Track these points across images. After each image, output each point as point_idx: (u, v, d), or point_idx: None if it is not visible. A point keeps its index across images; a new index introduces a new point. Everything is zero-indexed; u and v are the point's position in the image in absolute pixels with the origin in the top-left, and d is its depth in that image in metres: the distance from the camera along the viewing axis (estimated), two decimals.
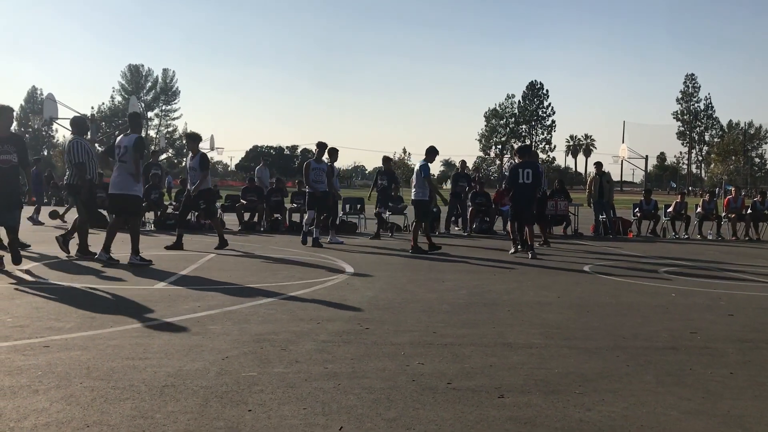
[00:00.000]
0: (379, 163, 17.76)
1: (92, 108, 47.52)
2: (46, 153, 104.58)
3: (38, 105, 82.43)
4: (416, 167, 12.82)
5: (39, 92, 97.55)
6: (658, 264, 11.02)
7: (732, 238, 17.78)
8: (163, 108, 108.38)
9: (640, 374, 4.38)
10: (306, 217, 13.46)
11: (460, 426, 3.35)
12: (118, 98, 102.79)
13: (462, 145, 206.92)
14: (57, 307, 6.18)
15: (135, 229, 9.60)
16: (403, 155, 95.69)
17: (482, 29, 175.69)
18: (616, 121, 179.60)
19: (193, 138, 12.42)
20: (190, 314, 5.93)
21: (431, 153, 12.72)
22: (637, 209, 18.92)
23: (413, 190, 12.50)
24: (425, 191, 12.43)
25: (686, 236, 17.71)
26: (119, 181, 9.52)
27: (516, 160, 12.73)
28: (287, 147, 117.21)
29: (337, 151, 13.95)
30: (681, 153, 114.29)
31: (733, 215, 18.23)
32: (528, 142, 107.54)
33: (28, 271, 8.31)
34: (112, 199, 9.73)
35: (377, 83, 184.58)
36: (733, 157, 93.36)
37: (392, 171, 16.77)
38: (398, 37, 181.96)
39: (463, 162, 18.83)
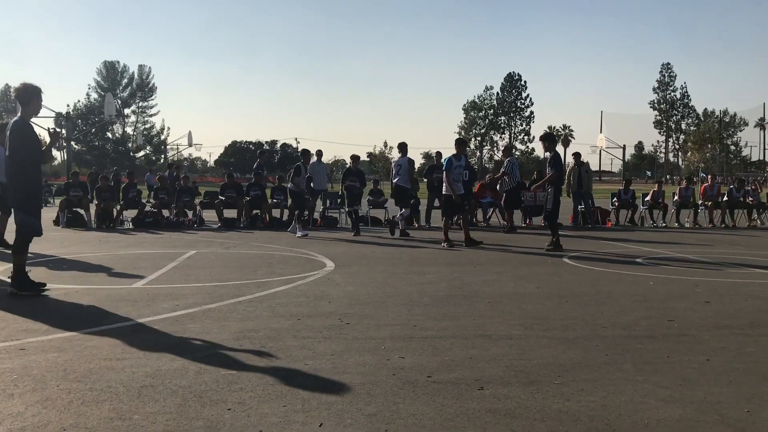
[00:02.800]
0: (361, 157, 17.76)
1: (68, 105, 46.96)
2: None
3: (11, 103, 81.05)
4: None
5: (12, 90, 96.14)
6: (636, 253, 11.12)
7: (709, 225, 17.99)
8: (140, 104, 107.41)
9: (619, 363, 4.43)
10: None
11: (440, 419, 3.36)
12: (94, 95, 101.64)
13: (442, 137, 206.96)
14: (33, 308, 6.10)
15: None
16: (384, 149, 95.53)
17: (460, 21, 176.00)
18: (594, 112, 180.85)
19: None
20: (169, 313, 5.88)
21: (457, 145, 12.50)
22: (615, 199, 19.07)
23: (444, 185, 12.23)
24: (459, 185, 11.99)
25: (664, 224, 17.88)
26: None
27: (545, 150, 12.10)
28: (266, 142, 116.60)
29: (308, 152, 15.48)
30: (658, 142, 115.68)
31: (709, 203, 18.44)
32: (507, 133, 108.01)
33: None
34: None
35: (356, 77, 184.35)
36: (709, 145, 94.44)
37: (362, 171, 16.17)
38: (376, 31, 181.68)
39: (439, 153, 18.80)
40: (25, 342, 4.84)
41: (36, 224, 6.83)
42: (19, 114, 6.90)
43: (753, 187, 19.98)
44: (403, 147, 14.50)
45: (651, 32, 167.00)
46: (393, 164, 14.95)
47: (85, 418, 3.33)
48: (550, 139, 12.18)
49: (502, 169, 16.88)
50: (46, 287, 6.95)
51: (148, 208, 17.24)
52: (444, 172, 12.27)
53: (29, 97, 6.82)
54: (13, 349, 4.66)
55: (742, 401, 3.68)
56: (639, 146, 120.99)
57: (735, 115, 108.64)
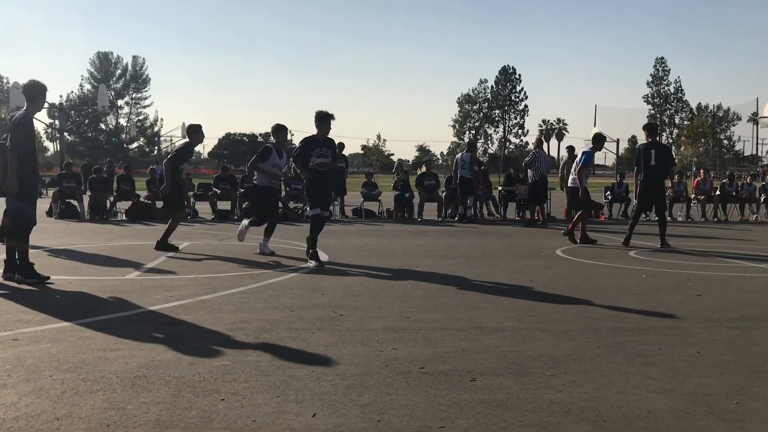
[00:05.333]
0: (355, 149, 17.76)
1: (61, 97, 46.75)
2: None
3: (4, 94, 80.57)
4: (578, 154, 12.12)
5: (5, 81, 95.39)
6: (628, 246, 11.16)
7: (701, 219, 18.07)
8: (134, 96, 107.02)
9: (610, 355, 4.45)
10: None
11: (433, 410, 3.38)
12: (87, 86, 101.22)
13: (436, 130, 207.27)
14: (26, 299, 6.09)
15: None
16: (378, 141, 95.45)
17: (455, 14, 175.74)
18: (588, 105, 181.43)
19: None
20: (163, 304, 5.89)
21: (598, 140, 12.18)
22: (608, 192, 19.13)
23: (571, 176, 11.95)
24: (583, 179, 11.60)
25: (656, 218, 17.94)
26: None
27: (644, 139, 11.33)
28: (261, 134, 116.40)
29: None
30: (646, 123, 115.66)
31: (702, 197, 18.53)
32: (501, 127, 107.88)
33: None
34: None
35: (350, 69, 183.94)
36: (703, 140, 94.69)
37: (333, 142, 9.03)
38: (372, 23, 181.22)
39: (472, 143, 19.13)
40: (18, 332, 4.84)
41: (30, 212, 6.97)
42: (24, 108, 7.08)
43: (748, 180, 20.07)
44: (471, 145, 17.58)
45: (645, 26, 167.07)
46: (458, 159, 16.63)
47: (79, 408, 3.33)
48: (650, 128, 11.40)
49: (527, 159, 16.59)
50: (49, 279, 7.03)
51: (141, 199, 17.19)
52: (580, 166, 11.64)
53: (37, 93, 7.06)
54: (6, 339, 4.66)
55: (732, 393, 3.72)
56: (633, 140, 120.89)
57: (728, 109, 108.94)
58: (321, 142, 8.72)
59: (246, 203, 14.86)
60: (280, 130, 9.90)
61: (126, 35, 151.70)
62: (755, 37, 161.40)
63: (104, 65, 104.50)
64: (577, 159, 11.86)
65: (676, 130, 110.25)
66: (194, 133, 10.08)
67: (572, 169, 12.09)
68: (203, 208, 17.53)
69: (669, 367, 4.18)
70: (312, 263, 8.40)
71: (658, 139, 11.39)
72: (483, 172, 18.35)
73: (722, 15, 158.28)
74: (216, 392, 3.59)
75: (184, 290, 6.57)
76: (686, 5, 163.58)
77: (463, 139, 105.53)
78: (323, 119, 8.72)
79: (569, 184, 12.13)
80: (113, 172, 26.29)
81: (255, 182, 10.00)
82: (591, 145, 12.05)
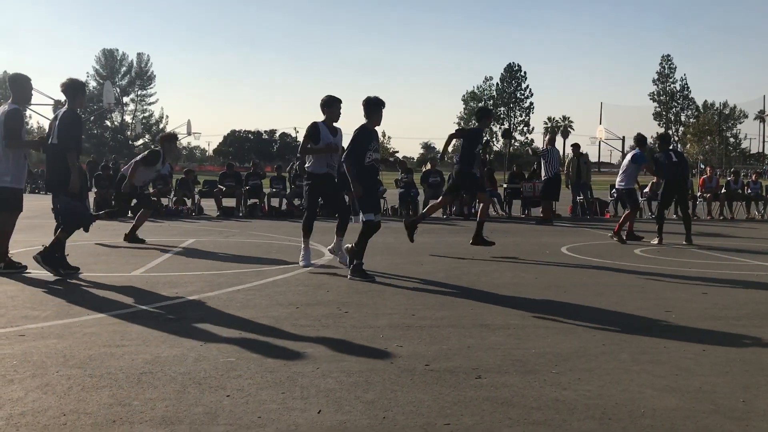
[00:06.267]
0: None
1: None
2: None
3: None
4: (628, 156, 12.32)
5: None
6: (634, 244, 11.14)
7: (707, 217, 18.02)
8: (139, 93, 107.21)
9: (616, 353, 4.45)
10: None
11: (438, 407, 3.38)
12: (93, 83, 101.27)
13: (441, 127, 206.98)
14: (33, 295, 6.12)
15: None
16: (382, 138, 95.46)
17: (460, 11, 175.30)
18: (594, 103, 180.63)
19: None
20: (168, 301, 5.90)
21: (642, 142, 12.38)
22: (613, 190, 19.06)
23: (618, 177, 12.06)
24: (631, 180, 11.92)
25: (653, 215, 17.90)
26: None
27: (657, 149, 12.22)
28: (266, 131, 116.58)
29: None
30: (658, 134, 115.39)
31: (708, 195, 18.47)
32: (506, 124, 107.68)
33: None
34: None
35: (354, 66, 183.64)
36: (709, 137, 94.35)
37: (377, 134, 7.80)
38: (375, 19, 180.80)
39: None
40: (24, 328, 4.86)
41: (80, 208, 7.33)
42: (66, 106, 7.36)
43: (753, 178, 20.00)
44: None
45: (651, 23, 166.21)
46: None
47: (85, 404, 3.35)
48: (663, 138, 12.57)
49: (541, 150, 16.53)
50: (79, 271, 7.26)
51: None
52: (646, 165, 12.10)
53: (75, 90, 7.31)
54: (13, 335, 4.68)
55: (738, 391, 3.71)
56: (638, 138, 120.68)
57: (735, 107, 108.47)
58: (373, 134, 7.54)
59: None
60: (332, 102, 7.93)
61: (131, 32, 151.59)
62: (762, 34, 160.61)
63: (109, 62, 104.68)
64: (628, 162, 11.98)
65: (682, 128, 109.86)
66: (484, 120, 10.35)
67: (620, 171, 12.25)
68: (209, 205, 17.55)
69: (674, 365, 4.18)
70: (353, 278, 7.19)
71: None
72: (488, 171, 18.32)
73: (728, 12, 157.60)
74: (221, 388, 3.60)
75: (190, 287, 6.58)
76: (692, 2, 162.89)
77: None
78: (376, 106, 7.49)
79: (616, 186, 12.20)
80: (119, 169, 26.34)
81: (308, 170, 8.01)
82: (637, 148, 12.34)
